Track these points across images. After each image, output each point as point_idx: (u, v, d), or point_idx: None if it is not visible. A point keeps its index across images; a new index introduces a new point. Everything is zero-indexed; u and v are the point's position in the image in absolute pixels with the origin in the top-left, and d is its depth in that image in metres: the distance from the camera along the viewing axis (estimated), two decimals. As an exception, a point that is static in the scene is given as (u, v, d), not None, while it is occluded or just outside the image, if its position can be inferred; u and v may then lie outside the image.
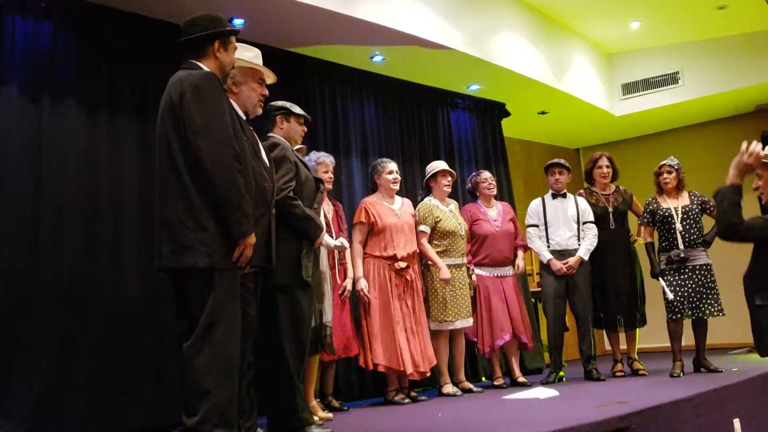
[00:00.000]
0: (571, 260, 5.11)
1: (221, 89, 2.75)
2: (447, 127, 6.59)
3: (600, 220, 5.27)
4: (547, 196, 5.41)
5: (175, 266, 2.62)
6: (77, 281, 3.93)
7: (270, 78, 3.27)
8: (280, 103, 3.66)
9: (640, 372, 5.19)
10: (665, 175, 5.08)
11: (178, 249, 2.58)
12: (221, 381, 2.49)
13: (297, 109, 3.65)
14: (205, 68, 2.77)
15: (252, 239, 2.68)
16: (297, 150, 4.11)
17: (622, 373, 5.20)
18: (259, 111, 3.23)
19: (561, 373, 5.36)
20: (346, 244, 4.41)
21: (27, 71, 3.93)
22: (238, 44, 3.02)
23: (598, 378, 4.99)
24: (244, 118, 3.06)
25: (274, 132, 3.58)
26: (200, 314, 2.54)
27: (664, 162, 5.14)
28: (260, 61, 3.25)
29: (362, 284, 4.51)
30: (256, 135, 3.10)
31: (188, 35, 2.82)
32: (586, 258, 5.16)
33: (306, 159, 4.14)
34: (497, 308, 5.05)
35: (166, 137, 2.66)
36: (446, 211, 4.97)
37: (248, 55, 3.21)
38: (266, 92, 3.23)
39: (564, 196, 5.35)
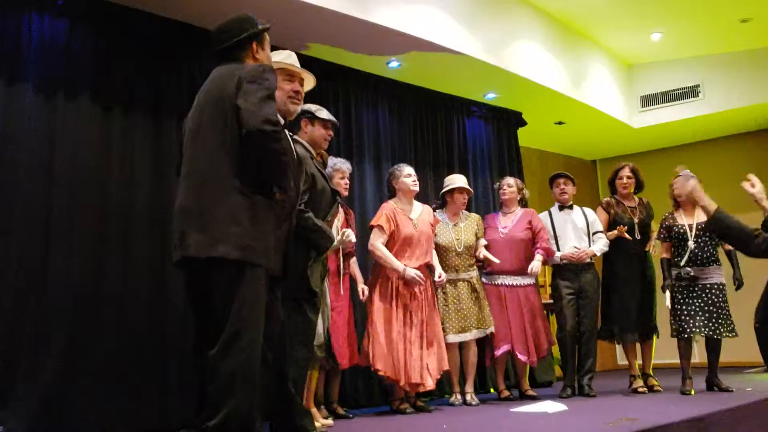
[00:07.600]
0: (586, 251, 5.03)
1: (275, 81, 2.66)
2: (462, 135, 6.53)
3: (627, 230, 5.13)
4: (554, 209, 5.35)
5: (206, 256, 2.47)
6: (86, 280, 3.92)
7: (304, 74, 3.15)
8: (307, 105, 3.56)
9: (655, 388, 5.09)
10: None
11: (207, 239, 2.47)
12: (243, 387, 2.45)
13: (322, 114, 3.56)
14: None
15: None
16: (319, 155, 4.04)
17: (645, 389, 5.06)
18: (295, 108, 3.11)
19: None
20: (352, 237, 4.10)
21: (42, 68, 3.95)
22: None
23: (589, 394, 4.92)
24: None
25: (299, 135, 3.52)
26: (225, 312, 2.46)
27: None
28: (293, 61, 3.16)
29: (411, 272, 4.43)
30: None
31: (222, 42, 2.74)
32: (599, 254, 5.10)
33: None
34: (496, 318, 4.96)
35: (208, 128, 2.57)
36: (447, 227, 4.93)
37: (276, 58, 3.13)
38: (298, 88, 3.11)
39: (570, 207, 5.30)
